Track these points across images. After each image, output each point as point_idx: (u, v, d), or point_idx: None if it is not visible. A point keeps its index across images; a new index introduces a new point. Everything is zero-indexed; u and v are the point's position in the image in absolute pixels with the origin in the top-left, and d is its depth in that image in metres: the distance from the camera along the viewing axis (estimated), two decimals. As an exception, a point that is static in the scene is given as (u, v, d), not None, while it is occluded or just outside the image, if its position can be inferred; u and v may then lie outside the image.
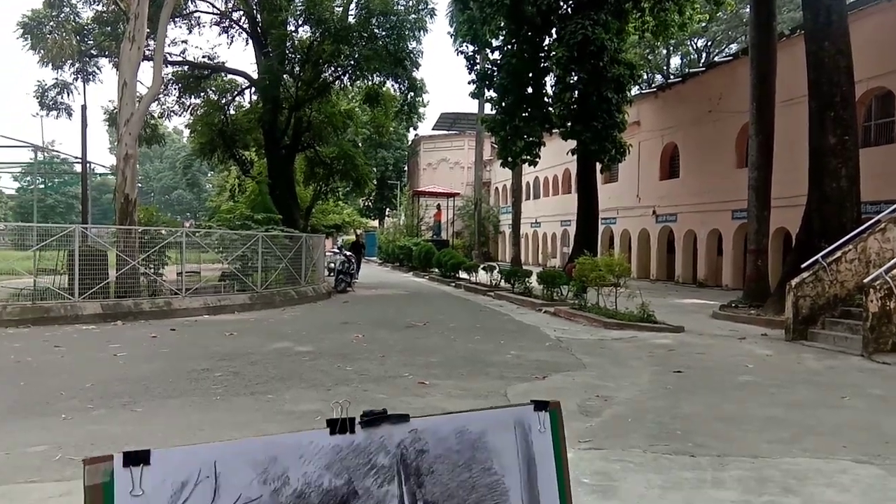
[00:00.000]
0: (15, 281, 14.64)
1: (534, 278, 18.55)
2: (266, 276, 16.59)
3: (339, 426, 1.27)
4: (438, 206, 42.78)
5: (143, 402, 6.58)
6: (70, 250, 13.02)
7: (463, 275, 24.61)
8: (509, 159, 24.22)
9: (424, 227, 44.31)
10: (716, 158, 24.55)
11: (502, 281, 20.35)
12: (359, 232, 36.09)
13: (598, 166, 24.11)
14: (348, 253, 23.18)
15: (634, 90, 26.89)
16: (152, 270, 14.58)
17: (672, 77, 35.81)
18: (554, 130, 24.09)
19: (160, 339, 10.72)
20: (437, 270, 27.80)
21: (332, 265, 22.58)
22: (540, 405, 1.51)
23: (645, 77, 36.59)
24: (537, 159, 24.22)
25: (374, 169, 46.17)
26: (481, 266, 23.30)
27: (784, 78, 17.14)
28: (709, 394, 7.31)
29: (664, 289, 23.48)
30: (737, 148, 23.68)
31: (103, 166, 42.51)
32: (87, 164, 18.85)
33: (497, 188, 49.33)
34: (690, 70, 31.38)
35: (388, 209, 60.43)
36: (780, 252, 20.72)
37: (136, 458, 1.08)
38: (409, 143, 57.86)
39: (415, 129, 42.79)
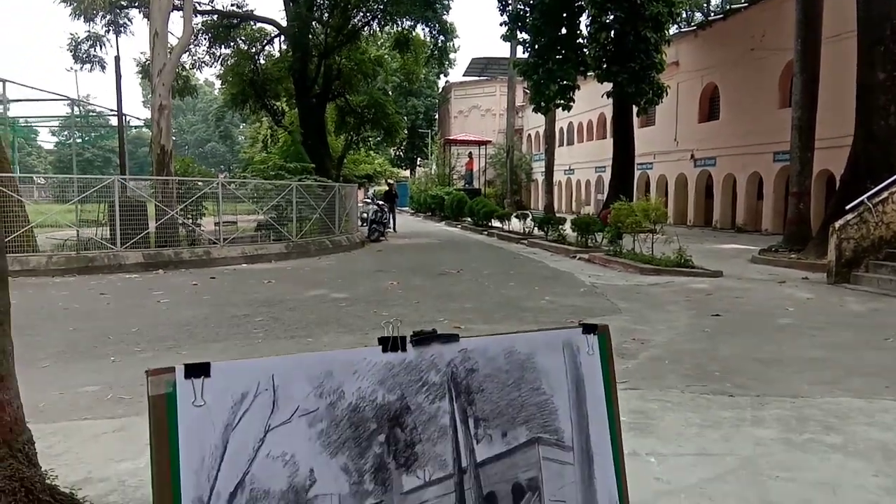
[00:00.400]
0: (59, 233, 15.05)
1: (567, 225, 18.39)
2: (301, 226, 16.75)
3: (390, 344, 1.28)
4: (470, 155, 42.39)
5: (188, 345, 6.78)
6: (110, 202, 13.30)
7: (495, 223, 24.52)
8: (542, 104, 23.74)
9: (456, 175, 44.06)
10: (758, 98, 23.71)
11: (535, 228, 20.23)
12: (391, 182, 36.04)
13: (635, 109, 23.51)
14: (381, 202, 23.24)
15: (673, 29, 25.92)
16: (190, 220, 14.84)
17: (713, 14, 34.33)
18: (589, 73, 23.47)
19: (201, 287, 10.98)
20: (469, 219, 27.73)
21: (365, 215, 22.69)
22: (588, 328, 1.51)
23: (684, 15, 35.14)
24: (571, 104, 23.70)
25: (405, 117, 45.74)
26: (514, 214, 23.15)
27: (831, 12, 16.33)
28: (748, 336, 7.24)
29: (701, 235, 23.10)
30: (780, 87, 22.82)
31: (138, 118, 42.96)
32: (123, 117, 19.05)
33: (529, 135, 48.59)
34: (732, 6, 30.00)
35: (419, 158, 60.13)
36: (822, 195, 20.14)
37: (197, 371, 1.11)
38: (440, 90, 57.05)
39: (445, 75, 42.13)
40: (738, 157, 25.08)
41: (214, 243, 14.67)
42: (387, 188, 30.43)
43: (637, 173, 27.29)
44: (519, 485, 1.37)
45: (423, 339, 1.32)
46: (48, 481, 2.44)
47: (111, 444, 4.23)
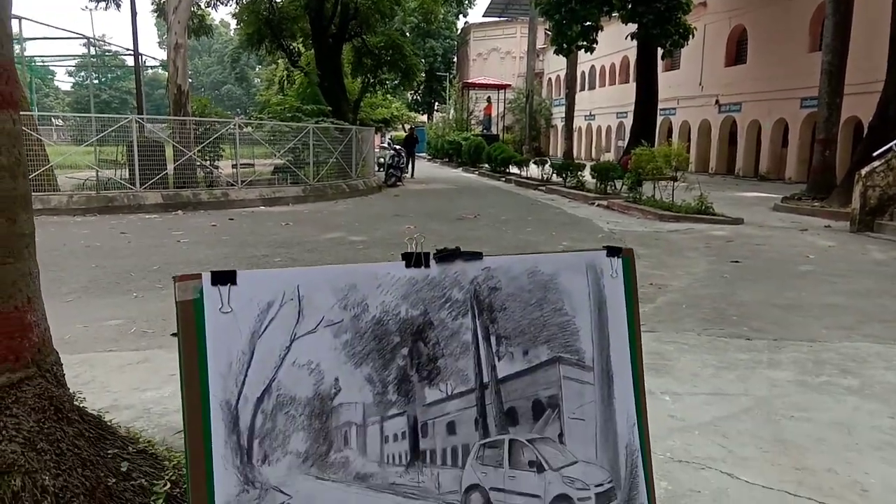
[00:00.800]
0: (78, 174, 15.15)
1: (587, 172, 18.18)
2: (318, 170, 16.72)
3: (413, 260, 1.28)
4: (489, 99, 41.67)
5: (209, 282, 6.87)
6: (129, 142, 13.32)
7: (513, 169, 24.29)
8: (564, 46, 23.13)
9: (474, 121, 43.45)
10: (787, 41, 22.93)
11: (554, 175, 20.02)
12: (411, 126, 35.61)
13: (660, 52, 22.86)
14: (398, 147, 23.05)
15: (702, -32, 24.94)
16: (208, 162, 14.86)
17: (744, -47, 32.88)
18: (613, 13, 22.74)
19: (220, 228, 11.07)
20: (486, 166, 27.48)
21: (382, 160, 22.56)
22: (613, 251, 1.49)
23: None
24: (594, 46, 23.07)
25: (423, 60, 44.87)
26: (532, 160, 22.90)
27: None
28: (767, 282, 7.19)
29: (723, 182, 22.76)
30: (810, 30, 22.02)
31: (154, 58, 42.57)
32: (139, 56, 18.89)
33: (550, 79, 47.59)
34: (765, -56, 28.71)
35: (436, 103, 59.27)
36: (849, 143, 19.65)
37: (224, 278, 1.12)
38: (459, 31, 55.73)
39: (464, 15, 41.13)
40: (764, 103, 24.44)
41: (232, 185, 14.72)
42: (405, 133, 30.10)
43: (659, 119, 26.71)
44: (539, 401, 1.39)
45: (447, 255, 1.31)
46: (76, 403, 2.51)
47: (136, 374, 4.35)
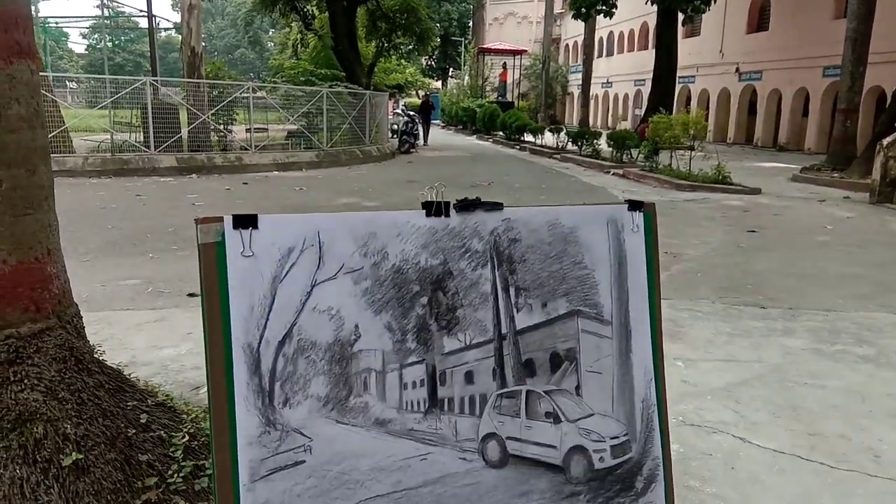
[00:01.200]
0: (93, 136, 15.18)
1: (602, 140, 17.97)
2: (331, 135, 16.64)
3: (434, 209, 1.27)
4: (504, 65, 41.07)
5: (224, 244, 6.91)
6: (143, 105, 13.30)
7: (528, 137, 24.06)
8: (582, 10, 22.68)
9: (489, 87, 42.92)
10: (811, 8, 22.35)
11: (569, 143, 19.81)
12: (426, 93, 35.22)
13: (680, 18, 22.36)
14: (412, 113, 22.87)
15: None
16: (222, 125, 14.83)
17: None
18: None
19: (234, 192, 11.09)
20: (501, 133, 27.22)
21: (396, 126, 22.40)
22: (634, 205, 1.48)
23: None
24: (613, 10, 22.61)
25: (438, 24, 44.20)
26: (547, 128, 22.65)
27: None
28: (783, 252, 7.13)
29: (741, 152, 22.44)
30: (837, -4, 21.45)
31: (168, 20, 42.29)
32: (153, 18, 18.76)
33: (567, 45, 46.82)
34: None
35: (451, 69, 58.55)
36: (871, 113, 19.27)
37: (245, 222, 1.12)
38: (475, -5, 54.77)
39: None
40: (785, 72, 23.94)
41: (246, 149, 14.70)
42: (420, 101, 29.80)
43: (678, 87, 26.24)
44: (557, 354, 1.39)
45: (467, 205, 1.31)
46: (96, 356, 2.54)
47: (153, 332, 4.41)
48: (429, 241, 1.27)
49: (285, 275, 1.15)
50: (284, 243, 1.15)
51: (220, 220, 1.12)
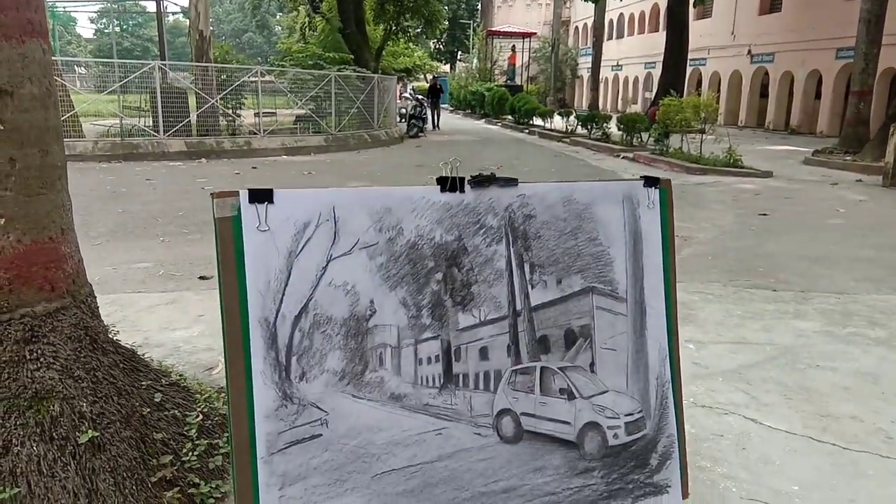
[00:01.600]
0: (102, 121, 15.20)
1: (612, 124, 17.82)
2: (339, 119, 16.59)
3: (449, 184, 1.26)
4: (513, 48, 40.73)
5: (234, 228, 6.92)
6: (152, 90, 13.29)
7: (537, 121, 23.90)
8: (592, -7, 22.43)
9: (498, 71, 42.61)
10: (826, -11, 22.02)
11: (578, 126, 19.67)
12: (435, 76, 34.94)
13: None
14: (420, 97, 22.74)
15: None
16: (231, 110, 14.81)
17: None
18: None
19: (243, 176, 11.10)
20: (510, 117, 27.05)
21: (404, 110, 22.29)
22: (650, 181, 1.46)
23: None
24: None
25: (446, 7, 43.81)
26: (557, 112, 22.49)
27: None
28: (795, 235, 7.08)
29: (753, 136, 22.23)
30: (852, -24, 21.09)
31: (175, 4, 42.17)
32: (160, 1, 18.71)
33: (577, 27, 46.35)
34: None
35: (459, 52, 58.11)
36: (885, 96, 19.02)
37: (261, 196, 1.11)
38: (483, -22, 54.23)
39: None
40: (798, 53, 23.63)
41: (254, 134, 14.70)
42: (428, 85, 29.58)
43: (689, 70, 25.95)
44: (571, 330, 1.39)
45: (482, 181, 1.30)
46: (110, 336, 2.56)
47: (165, 314, 4.43)
48: (443, 217, 1.26)
49: (301, 250, 1.15)
50: (300, 218, 1.15)
51: (236, 194, 1.12)
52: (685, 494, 1.51)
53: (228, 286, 1.09)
